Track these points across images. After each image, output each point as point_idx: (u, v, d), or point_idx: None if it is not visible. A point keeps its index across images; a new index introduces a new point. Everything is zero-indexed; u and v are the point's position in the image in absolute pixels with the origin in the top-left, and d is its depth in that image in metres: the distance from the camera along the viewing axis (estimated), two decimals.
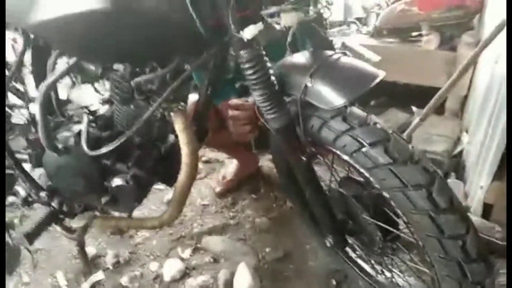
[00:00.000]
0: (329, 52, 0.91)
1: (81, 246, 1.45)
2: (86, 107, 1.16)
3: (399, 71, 2.22)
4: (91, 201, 1.20)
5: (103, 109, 1.17)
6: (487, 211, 1.50)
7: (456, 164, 1.84)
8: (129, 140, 1.08)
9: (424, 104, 1.88)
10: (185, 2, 0.79)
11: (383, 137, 0.84)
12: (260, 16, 0.81)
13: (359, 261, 1.30)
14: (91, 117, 1.13)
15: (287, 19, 0.80)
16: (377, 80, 0.84)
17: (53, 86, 1.06)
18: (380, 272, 1.25)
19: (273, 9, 0.80)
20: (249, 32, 0.80)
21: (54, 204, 1.19)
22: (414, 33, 2.25)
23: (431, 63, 2.15)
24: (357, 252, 1.28)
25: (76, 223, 1.17)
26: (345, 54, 0.93)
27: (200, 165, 2.03)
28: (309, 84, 0.86)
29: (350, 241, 1.19)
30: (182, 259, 1.51)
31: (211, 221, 1.69)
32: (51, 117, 1.17)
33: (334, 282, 1.38)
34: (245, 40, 0.81)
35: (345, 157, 0.90)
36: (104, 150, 1.01)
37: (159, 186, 1.58)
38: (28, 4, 0.90)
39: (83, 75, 1.12)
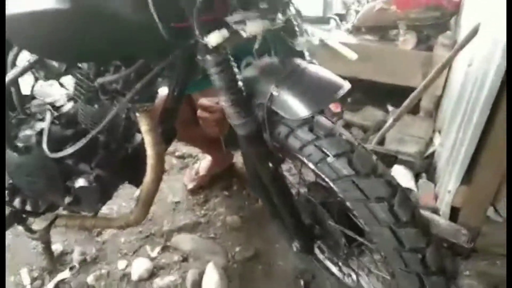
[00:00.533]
0: (297, 61, 0.89)
1: (46, 243, 1.41)
2: (51, 104, 1.12)
3: (376, 69, 2.24)
4: (54, 201, 1.16)
5: (67, 106, 1.13)
6: (455, 214, 1.53)
7: (428, 165, 1.86)
8: (93, 139, 1.05)
9: (400, 103, 1.89)
10: (147, 3, 0.76)
11: (347, 149, 0.83)
12: (226, 22, 0.78)
13: (327, 263, 1.31)
14: (55, 114, 1.09)
15: (252, 28, 0.78)
16: (342, 93, 0.83)
17: (13, 83, 1.02)
18: (347, 274, 1.27)
19: (238, 16, 0.77)
20: (214, 38, 0.77)
21: (16, 203, 1.15)
22: (392, 32, 2.25)
23: (407, 63, 2.16)
24: (325, 254, 1.28)
25: (38, 225, 1.14)
26: (312, 63, 0.91)
27: (174, 160, 2.00)
28: (274, 93, 0.84)
29: (317, 245, 1.19)
30: (151, 258, 1.49)
31: (181, 218, 1.67)
32: (13, 113, 1.13)
33: (302, 283, 1.39)
34: (210, 46, 0.78)
35: (311, 166, 0.89)
36: (65, 152, 0.98)
37: None
38: None
39: (46, 71, 1.08)
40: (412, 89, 1.84)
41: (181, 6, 0.78)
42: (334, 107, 2.51)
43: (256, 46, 0.86)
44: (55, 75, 1.08)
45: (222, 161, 1.86)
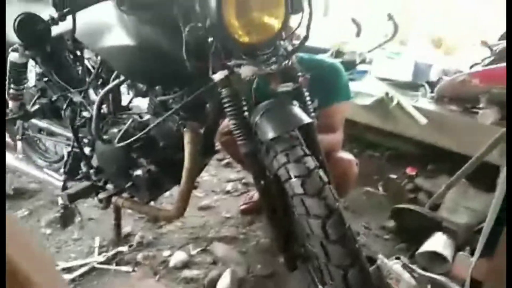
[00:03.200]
0: (279, 100, 1.14)
1: (117, 222, 1.84)
2: (138, 114, 1.55)
3: (454, 140, 2.25)
4: (119, 183, 1.57)
5: (146, 117, 1.55)
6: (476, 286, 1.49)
7: (473, 239, 1.80)
8: (154, 144, 1.44)
9: (474, 175, 1.91)
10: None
11: (305, 174, 1.03)
12: (228, 65, 1.09)
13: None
14: (135, 121, 1.51)
15: (244, 71, 1.06)
16: (301, 124, 1.05)
17: (105, 95, 1.46)
18: None
19: (233, 61, 1.07)
20: (217, 76, 1.09)
21: (97, 179, 1.59)
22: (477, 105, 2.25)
23: (484, 137, 2.13)
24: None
25: (102, 195, 1.55)
26: (290, 102, 1.14)
27: (239, 185, 2.32)
28: (258, 122, 1.10)
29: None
30: (190, 254, 1.79)
31: (226, 231, 1.95)
32: (113, 116, 1.58)
33: None
34: (215, 80, 1.10)
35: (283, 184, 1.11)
36: (126, 142, 1.37)
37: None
38: (100, 32, 1.32)
39: (135, 90, 1.51)
40: (488, 164, 1.85)
41: (202, 54, 1.11)
42: (410, 170, 2.55)
43: (254, 85, 1.13)
44: (141, 94, 1.51)
45: None
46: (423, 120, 2.21)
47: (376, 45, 3.32)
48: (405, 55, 2.74)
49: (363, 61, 2.96)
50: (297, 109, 1.12)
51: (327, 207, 0.98)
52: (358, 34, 3.79)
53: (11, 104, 1.78)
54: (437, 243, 1.78)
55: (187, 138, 1.38)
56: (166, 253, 1.80)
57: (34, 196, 2.16)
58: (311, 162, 1.07)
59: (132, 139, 1.36)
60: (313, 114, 1.24)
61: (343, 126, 1.84)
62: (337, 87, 1.75)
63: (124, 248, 1.81)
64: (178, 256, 1.76)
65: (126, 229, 1.93)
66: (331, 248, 0.96)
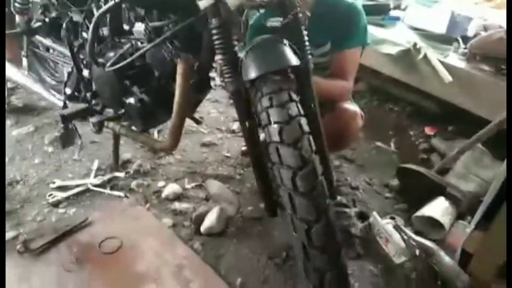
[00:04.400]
0: (267, 36, 1.04)
1: (115, 147, 1.85)
2: (137, 39, 1.48)
3: (478, 102, 2.08)
4: (115, 110, 1.54)
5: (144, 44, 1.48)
6: (466, 259, 1.43)
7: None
8: (148, 73, 1.39)
9: (494, 143, 1.78)
10: None
11: (284, 121, 0.96)
12: None
13: None
14: (133, 46, 1.45)
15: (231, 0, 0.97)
16: (284, 66, 0.97)
17: (102, 17, 1.38)
18: None
19: None
20: (201, 3, 1.00)
21: (93, 103, 1.57)
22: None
23: None
24: None
25: (94, 118, 1.53)
26: (280, 40, 1.04)
27: None
28: (243, 59, 1.02)
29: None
30: (183, 188, 1.80)
31: (224, 170, 1.94)
32: (111, 39, 1.52)
33: (284, 255, 1.52)
34: (201, 7, 1.01)
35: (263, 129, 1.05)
36: (117, 66, 1.32)
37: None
38: None
39: (133, 13, 1.43)
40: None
41: None
42: (429, 129, 2.42)
43: (243, 18, 1.04)
44: (139, 18, 1.43)
45: None
46: (448, 78, 2.04)
47: None
48: (444, 3, 2.49)
49: (397, 7, 2.73)
50: (285, 48, 1.03)
51: (301, 158, 0.93)
52: None
53: (17, 18, 1.75)
54: (437, 208, 1.71)
55: (179, 69, 1.32)
56: (160, 183, 1.82)
57: (42, 113, 2.20)
58: (294, 108, 1.00)
59: (121, 64, 1.31)
60: (309, 56, 1.15)
61: (359, 74, 1.71)
62: (352, 30, 1.60)
63: (121, 174, 1.83)
64: (172, 188, 1.77)
65: (125, 155, 1.94)
66: (298, 201, 0.91)
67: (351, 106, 1.63)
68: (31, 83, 1.86)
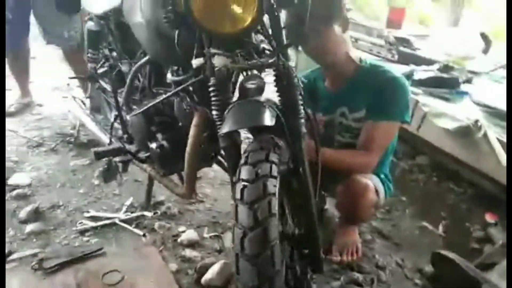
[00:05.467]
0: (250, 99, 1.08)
1: (149, 187, 1.97)
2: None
3: None
4: (142, 153, 1.67)
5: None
6: None
7: None
8: (171, 122, 1.51)
9: None
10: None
11: (251, 179, 0.97)
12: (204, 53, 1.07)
13: None
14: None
15: (217, 61, 1.03)
16: (259, 124, 0.99)
17: (138, 69, 1.55)
18: None
19: (212, 51, 1.04)
20: (194, 62, 1.08)
21: (126, 144, 1.73)
22: None
23: None
24: None
25: (118, 158, 1.67)
26: (261, 102, 1.06)
27: None
28: (225, 116, 1.07)
29: None
30: (201, 236, 1.83)
31: None
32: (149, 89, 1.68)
33: None
34: (193, 66, 1.09)
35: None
36: (135, 113, 1.46)
37: None
38: (133, 10, 1.41)
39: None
40: None
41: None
42: (490, 217, 2.17)
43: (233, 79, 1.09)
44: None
45: None
46: (504, 160, 1.84)
47: (499, 65, 2.89)
48: None
49: (468, 81, 2.59)
50: (262, 109, 1.05)
51: (254, 218, 0.91)
52: (485, 51, 3.32)
53: (89, 66, 2.04)
54: None
55: (194, 121, 1.40)
56: (181, 228, 1.87)
57: None
58: (266, 169, 1.00)
59: (139, 111, 1.44)
60: (302, 120, 1.15)
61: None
62: (392, 103, 1.56)
63: (149, 214, 1.93)
64: (189, 235, 1.81)
65: (160, 197, 2.05)
66: (242, 264, 0.89)
67: (363, 179, 1.54)
68: (89, 122, 2.10)
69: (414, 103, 2.44)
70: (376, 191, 1.57)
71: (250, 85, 1.08)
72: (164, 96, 1.38)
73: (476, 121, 2.11)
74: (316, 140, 1.29)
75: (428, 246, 1.95)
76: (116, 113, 1.80)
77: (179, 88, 1.31)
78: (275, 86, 1.16)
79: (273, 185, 0.98)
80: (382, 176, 1.75)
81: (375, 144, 1.56)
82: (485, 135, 2.02)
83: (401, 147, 2.77)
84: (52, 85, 3.48)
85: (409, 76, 2.51)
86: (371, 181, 1.56)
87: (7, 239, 1.69)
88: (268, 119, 1.02)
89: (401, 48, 3.05)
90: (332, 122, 1.67)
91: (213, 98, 1.14)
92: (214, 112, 1.15)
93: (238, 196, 0.96)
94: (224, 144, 1.15)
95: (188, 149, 1.41)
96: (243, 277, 0.89)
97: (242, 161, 1.03)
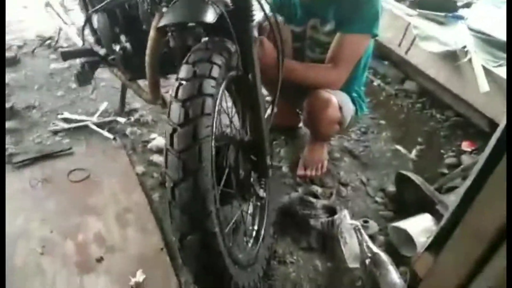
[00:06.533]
0: None
1: (122, 93, 1.97)
2: None
3: None
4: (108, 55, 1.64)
5: None
6: (415, 282, 1.28)
7: None
8: (133, 24, 1.45)
9: None
10: None
11: (188, 77, 0.95)
12: None
13: None
14: None
15: None
16: (196, 20, 0.98)
17: None
18: None
19: None
20: None
21: (95, 47, 1.69)
22: None
23: None
24: None
25: (83, 59, 1.65)
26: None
27: None
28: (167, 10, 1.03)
29: None
30: None
31: None
32: None
33: None
34: None
35: None
36: (97, 7, 1.41)
37: None
38: None
39: None
40: None
41: None
42: (467, 145, 2.16)
43: None
44: None
45: (286, 118, 1.98)
46: (484, 88, 1.79)
47: None
48: None
49: (467, 5, 2.44)
50: (203, 6, 1.00)
51: (185, 117, 0.91)
52: None
53: None
54: (417, 224, 1.53)
55: (153, 23, 1.34)
56: (153, 135, 1.90)
57: None
58: (205, 69, 0.98)
59: (101, 5, 1.39)
60: (252, 23, 1.10)
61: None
62: (358, 14, 1.47)
63: (122, 120, 1.95)
64: (159, 141, 1.84)
65: (135, 104, 2.06)
66: (170, 158, 0.91)
67: (326, 94, 1.51)
68: (65, 25, 2.05)
69: (405, 25, 2.34)
70: (341, 108, 1.55)
71: None
72: None
73: (464, 47, 2.02)
74: (277, 45, 1.24)
75: (396, 168, 1.97)
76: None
77: None
78: None
79: (211, 86, 0.96)
80: (355, 94, 1.72)
81: (342, 58, 1.50)
82: (470, 61, 1.95)
83: (390, 71, 2.71)
84: None
85: None
86: (335, 97, 1.53)
87: None
88: (208, 16, 0.98)
89: None
90: (303, 34, 1.60)
91: None
92: None
93: (173, 94, 0.95)
94: (172, 44, 1.12)
95: (147, 51, 1.37)
96: (169, 171, 0.91)
97: (184, 60, 1.01)
